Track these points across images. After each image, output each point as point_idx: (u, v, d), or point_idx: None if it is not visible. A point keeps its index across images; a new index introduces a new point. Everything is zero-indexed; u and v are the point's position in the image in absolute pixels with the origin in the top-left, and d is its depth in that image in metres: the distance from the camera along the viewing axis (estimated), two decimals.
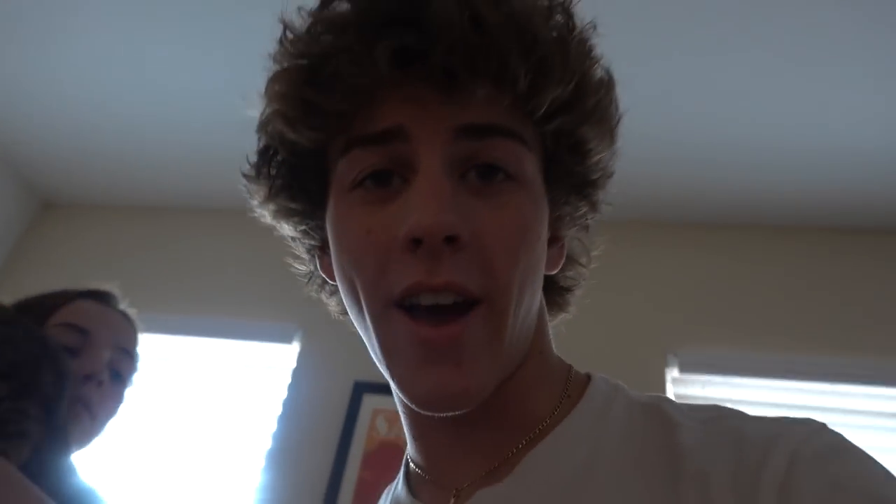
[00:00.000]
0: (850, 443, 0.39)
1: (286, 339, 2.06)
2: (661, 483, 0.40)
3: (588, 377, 0.50)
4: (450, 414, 0.42)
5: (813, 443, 0.38)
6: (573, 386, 0.49)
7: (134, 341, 0.96)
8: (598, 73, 0.47)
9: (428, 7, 0.40)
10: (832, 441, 0.38)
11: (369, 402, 1.87)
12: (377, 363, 0.46)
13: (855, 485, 0.35)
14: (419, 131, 0.42)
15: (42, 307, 0.90)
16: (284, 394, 1.99)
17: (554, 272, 0.51)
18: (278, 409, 1.96)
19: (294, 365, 2.03)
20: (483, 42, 0.41)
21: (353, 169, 0.43)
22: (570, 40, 0.45)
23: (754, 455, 0.38)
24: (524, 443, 0.46)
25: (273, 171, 0.48)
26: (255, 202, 0.51)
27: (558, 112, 0.44)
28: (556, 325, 0.56)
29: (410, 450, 0.51)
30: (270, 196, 0.49)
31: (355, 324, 0.47)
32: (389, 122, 0.42)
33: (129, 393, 0.96)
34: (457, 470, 0.47)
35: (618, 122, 0.49)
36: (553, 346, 0.52)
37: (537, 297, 0.48)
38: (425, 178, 0.41)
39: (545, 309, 0.51)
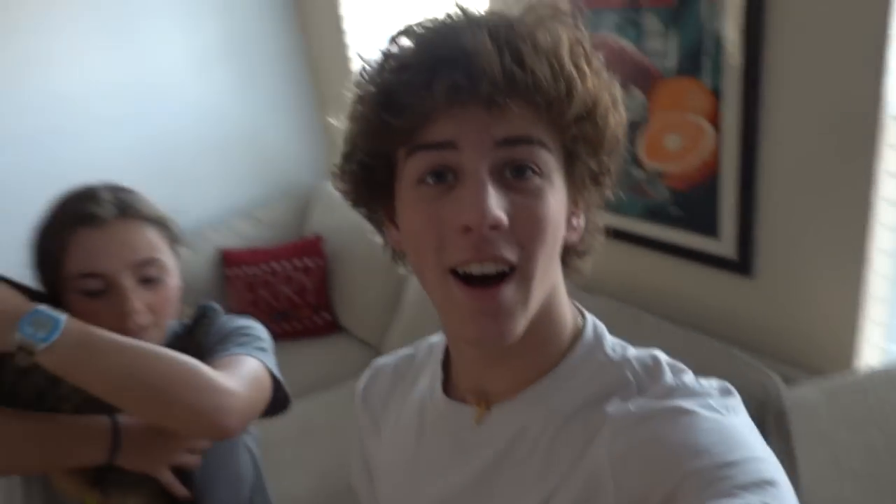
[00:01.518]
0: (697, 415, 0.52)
1: None
2: (575, 452, 0.58)
3: (583, 326, 0.66)
4: (502, 345, 0.58)
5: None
6: (575, 334, 0.65)
7: (149, 244, 0.95)
8: (609, 90, 0.58)
9: (474, 50, 0.52)
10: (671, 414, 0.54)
11: None
12: (437, 311, 0.61)
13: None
14: (467, 143, 0.53)
15: (49, 259, 0.93)
16: None
17: (574, 241, 0.63)
18: None
19: None
20: (519, 73, 0.52)
21: (417, 168, 0.56)
22: (587, 68, 0.56)
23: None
24: (535, 377, 0.63)
25: (354, 168, 0.62)
26: (340, 192, 0.66)
27: (577, 122, 0.56)
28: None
29: (454, 364, 0.70)
30: (352, 187, 0.64)
31: (420, 281, 0.62)
32: (445, 136, 0.54)
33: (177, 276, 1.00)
34: (486, 389, 0.65)
35: (623, 127, 0.60)
36: (566, 296, 0.65)
37: (556, 264, 0.61)
38: (473, 181, 0.53)
39: (560, 272, 0.64)
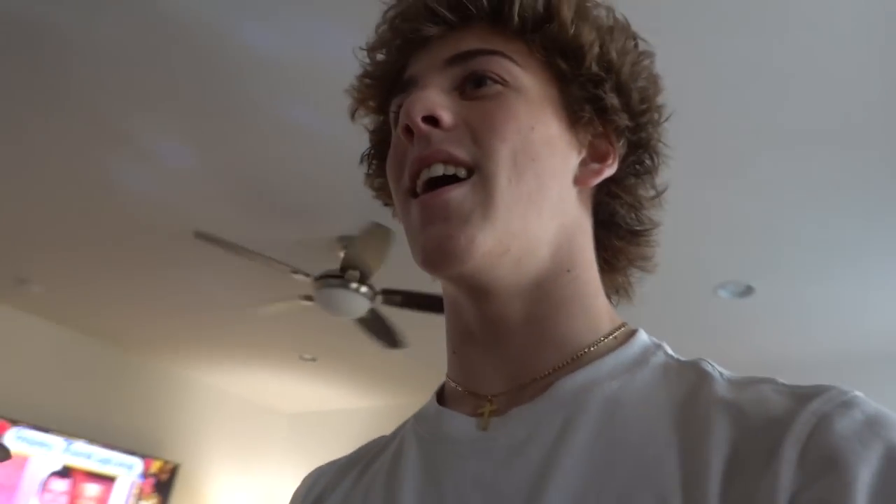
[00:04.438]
0: (890, 416, 0.39)
1: None
2: (682, 431, 0.42)
3: (634, 330, 0.54)
4: (450, 273, 0.48)
5: (845, 411, 0.39)
6: (622, 333, 0.53)
7: None
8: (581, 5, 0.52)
9: None
10: (868, 411, 0.39)
11: None
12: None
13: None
14: (424, 72, 0.52)
15: None
16: None
17: (583, 186, 0.54)
18: None
19: None
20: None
21: (393, 112, 0.55)
22: None
23: (776, 417, 0.40)
24: (561, 366, 0.49)
25: (375, 162, 0.60)
26: (376, 195, 0.62)
27: (534, 27, 0.52)
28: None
29: (449, 368, 0.56)
30: (372, 173, 0.60)
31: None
32: (407, 74, 0.53)
33: None
34: (490, 382, 0.52)
35: (612, 28, 0.53)
36: (597, 280, 0.55)
37: (553, 196, 0.51)
38: (416, 89, 0.51)
39: (583, 233, 0.54)
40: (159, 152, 2.59)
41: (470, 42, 0.51)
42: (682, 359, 0.50)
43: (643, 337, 0.52)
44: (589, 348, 0.50)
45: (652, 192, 0.57)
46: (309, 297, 3.02)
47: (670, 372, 0.48)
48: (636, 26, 0.56)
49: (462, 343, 0.54)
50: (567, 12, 0.51)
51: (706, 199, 2.46)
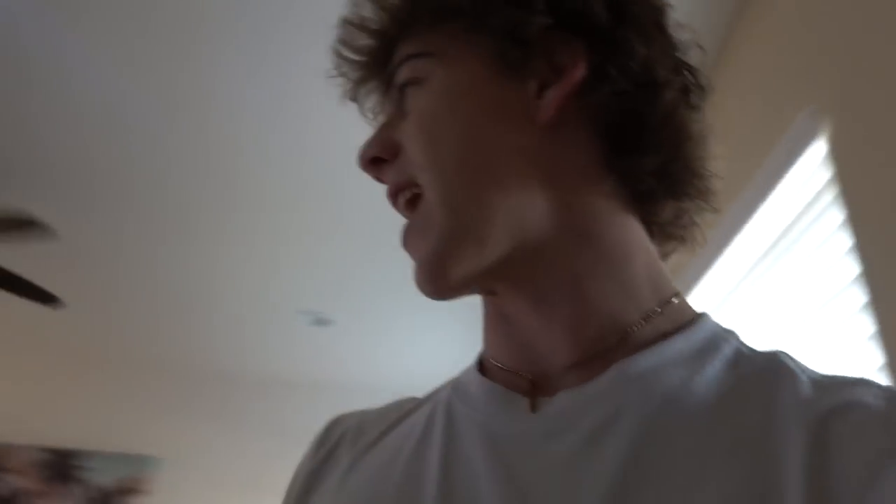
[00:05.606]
0: None
1: None
2: (753, 443, 0.37)
3: (700, 313, 0.47)
4: (449, 296, 0.46)
5: None
6: (674, 308, 0.46)
7: None
8: None
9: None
10: None
11: None
12: None
13: None
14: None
15: None
16: None
17: (548, 118, 0.46)
18: None
19: None
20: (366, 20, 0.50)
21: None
22: None
23: (871, 427, 0.36)
24: (610, 348, 0.44)
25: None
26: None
27: None
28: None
29: (486, 345, 0.52)
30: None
31: None
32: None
33: None
34: (536, 360, 0.47)
35: None
36: (627, 239, 0.47)
37: (511, 164, 0.45)
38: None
39: (586, 181, 0.47)
40: None
41: (397, 54, 0.51)
42: (758, 350, 0.44)
43: (711, 322, 0.46)
44: (633, 327, 0.44)
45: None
46: None
47: (745, 365, 0.43)
48: None
49: (501, 323, 0.50)
50: None
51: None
